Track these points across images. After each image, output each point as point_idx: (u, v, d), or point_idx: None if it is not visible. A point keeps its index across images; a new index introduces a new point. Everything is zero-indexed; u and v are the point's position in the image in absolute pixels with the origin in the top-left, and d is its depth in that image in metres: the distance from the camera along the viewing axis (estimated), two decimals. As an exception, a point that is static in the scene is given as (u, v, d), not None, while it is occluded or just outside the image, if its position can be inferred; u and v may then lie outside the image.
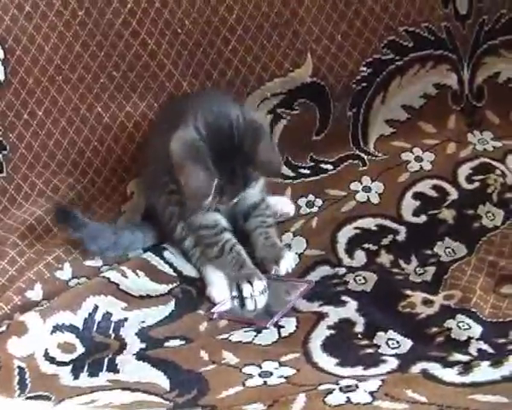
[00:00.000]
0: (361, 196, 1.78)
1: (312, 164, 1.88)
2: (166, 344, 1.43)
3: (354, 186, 1.81)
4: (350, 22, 1.91)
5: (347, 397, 1.19)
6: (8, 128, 1.79)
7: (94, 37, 1.82)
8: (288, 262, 1.60)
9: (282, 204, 1.76)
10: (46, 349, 1.41)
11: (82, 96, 1.83)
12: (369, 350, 1.37)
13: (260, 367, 1.34)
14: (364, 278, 1.56)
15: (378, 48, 1.92)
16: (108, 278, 1.55)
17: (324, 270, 1.62)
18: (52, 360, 1.40)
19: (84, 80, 1.83)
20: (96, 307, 1.49)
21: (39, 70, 1.80)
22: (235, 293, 1.56)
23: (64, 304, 1.48)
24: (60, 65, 1.81)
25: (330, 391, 1.21)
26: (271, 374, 1.32)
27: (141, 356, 1.40)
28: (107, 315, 1.49)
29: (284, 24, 1.88)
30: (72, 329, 1.45)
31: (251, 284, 1.55)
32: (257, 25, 1.87)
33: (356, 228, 1.71)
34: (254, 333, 1.45)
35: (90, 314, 1.48)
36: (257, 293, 1.55)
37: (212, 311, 1.53)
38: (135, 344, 1.44)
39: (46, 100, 1.81)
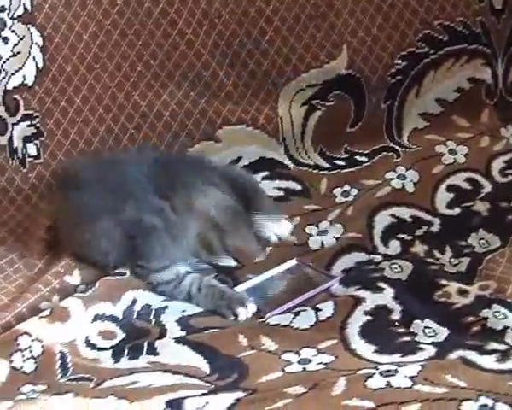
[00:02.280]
0: (396, 183, 1.79)
1: (347, 156, 1.89)
2: (206, 332, 1.44)
3: (389, 175, 1.81)
4: (385, 15, 1.91)
5: (387, 381, 1.20)
6: (46, 115, 1.81)
7: (132, 25, 1.83)
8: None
9: (277, 225, 1.61)
10: (87, 336, 1.43)
11: (119, 84, 1.85)
12: (407, 338, 1.38)
13: (299, 354, 1.35)
14: (400, 266, 1.57)
15: (413, 41, 1.92)
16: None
17: (359, 255, 1.62)
18: (93, 347, 1.42)
19: (122, 69, 1.85)
20: (134, 301, 1.51)
21: (77, 58, 1.82)
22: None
23: (104, 295, 1.50)
24: (98, 53, 1.83)
25: (370, 375, 1.22)
26: (310, 361, 1.33)
27: (180, 340, 1.41)
28: (147, 306, 1.51)
29: (320, 15, 1.89)
30: (112, 318, 1.47)
31: (245, 307, 1.49)
32: (293, 16, 1.88)
33: (391, 216, 1.71)
34: (292, 316, 1.46)
35: (128, 307, 1.50)
36: (250, 315, 1.50)
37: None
38: (175, 331, 1.45)
39: (84, 87, 1.83)
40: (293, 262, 1.62)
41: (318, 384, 1.22)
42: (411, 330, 1.40)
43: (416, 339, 1.37)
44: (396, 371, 1.23)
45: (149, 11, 1.84)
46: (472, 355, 1.29)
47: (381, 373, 1.22)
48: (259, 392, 1.23)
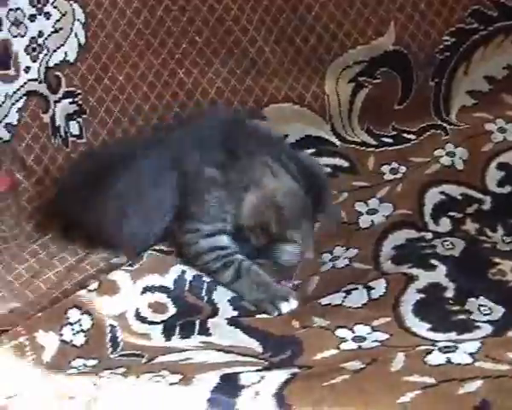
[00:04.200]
0: (445, 160, 1.76)
1: (395, 133, 1.86)
2: (258, 316, 1.42)
3: (438, 153, 1.78)
4: (434, -10, 1.88)
5: (447, 358, 1.17)
6: (89, 92, 1.80)
7: (176, 1, 1.82)
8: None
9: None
10: (137, 309, 1.41)
11: (164, 61, 1.83)
12: (462, 316, 1.35)
13: (353, 331, 1.33)
14: (452, 243, 1.54)
15: (462, 17, 1.89)
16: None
17: (410, 233, 1.59)
18: (143, 320, 1.40)
19: (166, 45, 1.83)
20: (183, 271, 1.48)
21: (120, 34, 1.80)
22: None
23: (152, 268, 1.47)
24: (141, 29, 1.81)
25: (429, 351, 1.19)
26: (365, 339, 1.31)
27: (233, 322, 1.39)
28: (198, 276, 1.48)
29: (368, -9, 1.86)
30: (163, 289, 1.45)
31: (287, 301, 1.44)
32: (341, -9, 1.85)
33: (441, 193, 1.68)
34: (344, 295, 1.43)
35: (179, 276, 1.47)
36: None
37: None
38: (227, 311, 1.44)
39: (127, 65, 1.81)
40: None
41: (376, 360, 1.19)
42: (466, 307, 1.37)
43: (472, 317, 1.34)
44: (455, 347, 1.20)
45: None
46: (533, 334, 1.26)
47: (440, 349, 1.19)
48: (316, 367, 1.21)
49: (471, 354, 1.18)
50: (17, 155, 1.77)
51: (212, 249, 1.47)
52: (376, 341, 1.29)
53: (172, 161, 1.52)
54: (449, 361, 1.16)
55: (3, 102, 1.75)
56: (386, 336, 1.31)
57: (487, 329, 1.30)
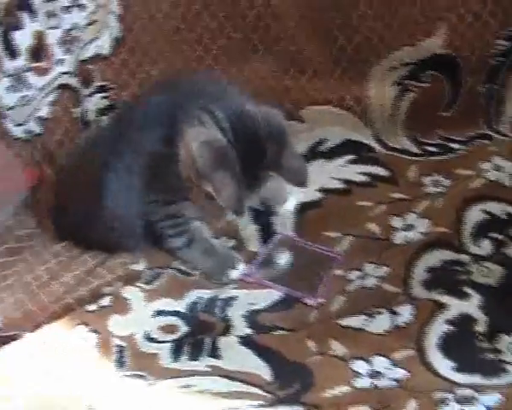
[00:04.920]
0: (491, 175, 1.65)
1: (439, 142, 1.76)
2: (273, 333, 1.36)
3: (484, 166, 1.67)
4: (489, -10, 1.77)
5: (462, 410, 1.09)
6: (122, 87, 1.75)
7: (213, -3, 1.75)
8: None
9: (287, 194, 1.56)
10: (147, 331, 1.37)
11: (200, 57, 1.77)
12: (490, 355, 1.26)
13: (370, 364, 1.25)
14: (490, 269, 1.44)
15: (519, 18, 1.78)
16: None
17: (446, 254, 1.49)
18: (152, 340, 1.36)
19: (203, 41, 1.77)
20: (199, 298, 1.44)
21: (156, 28, 1.74)
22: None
23: (167, 290, 1.44)
24: (178, 24, 1.75)
25: (445, 401, 1.11)
26: (382, 375, 1.23)
27: (245, 342, 1.33)
28: (214, 297, 1.43)
29: (418, -10, 1.77)
30: (175, 313, 1.40)
31: (236, 269, 1.47)
32: (389, -10, 1.76)
33: (483, 211, 1.58)
34: (366, 318, 1.35)
35: (193, 302, 1.43)
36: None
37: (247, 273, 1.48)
38: (241, 328, 1.37)
39: (162, 60, 1.76)
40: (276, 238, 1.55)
41: (387, 407, 1.11)
42: (496, 346, 1.27)
43: (501, 357, 1.25)
44: (473, 398, 1.11)
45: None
46: None
47: (457, 401, 1.11)
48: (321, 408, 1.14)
49: (488, 407, 1.09)
50: (47, 150, 1.73)
51: (169, 217, 1.47)
52: (393, 379, 1.22)
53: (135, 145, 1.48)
54: (465, 415, 1.08)
55: (36, 95, 1.72)
56: (405, 373, 1.23)
57: (515, 373, 1.21)
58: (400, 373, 1.23)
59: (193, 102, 1.41)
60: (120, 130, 1.52)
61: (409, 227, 1.56)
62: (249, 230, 1.58)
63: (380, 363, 1.26)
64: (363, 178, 1.69)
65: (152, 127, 1.45)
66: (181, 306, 1.41)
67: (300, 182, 1.42)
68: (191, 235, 1.48)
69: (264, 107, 1.43)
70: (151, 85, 1.71)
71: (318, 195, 1.65)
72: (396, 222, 1.58)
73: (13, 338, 1.34)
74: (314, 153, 1.74)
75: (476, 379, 1.20)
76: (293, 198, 1.56)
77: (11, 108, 1.68)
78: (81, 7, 1.71)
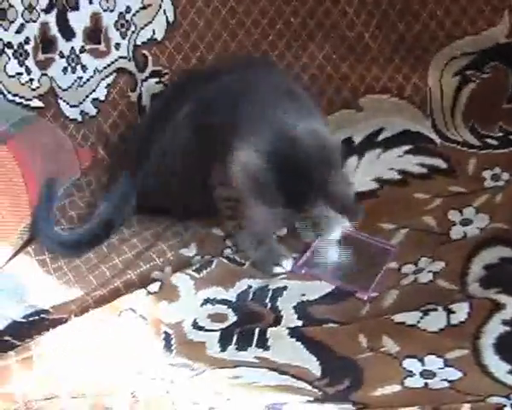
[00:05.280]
0: (555, 170, 1.61)
1: (501, 134, 1.73)
2: (324, 326, 1.33)
3: (547, 160, 1.63)
4: (558, -23, 1.72)
5: (520, 418, 1.05)
6: (176, 72, 1.74)
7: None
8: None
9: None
10: (195, 319, 1.35)
11: (256, 42, 1.76)
12: (548, 359, 1.21)
13: (423, 363, 1.21)
14: (551, 268, 1.39)
15: None
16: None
17: (504, 251, 1.44)
18: (200, 329, 1.34)
19: (259, 26, 1.75)
20: (249, 286, 1.42)
21: (212, 12, 1.74)
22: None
23: (217, 280, 1.41)
24: (234, 7, 1.75)
25: (501, 407, 1.06)
26: (434, 375, 1.19)
27: (295, 334, 1.30)
28: (264, 287, 1.41)
29: (482, -24, 1.73)
30: (224, 302, 1.38)
31: (280, 266, 1.45)
32: (451, -26, 1.73)
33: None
34: (420, 315, 1.31)
35: (243, 291, 1.40)
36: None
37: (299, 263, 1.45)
38: (291, 319, 1.35)
39: (217, 44, 1.75)
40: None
41: (438, 409, 1.07)
42: (554, 350, 1.22)
43: (560, 361, 1.20)
44: (531, 405, 1.07)
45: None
46: None
47: (513, 406, 1.07)
48: (371, 407, 1.10)
49: (546, 415, 1.04)
50: (102, 132, 1.74)
51: (228, 199, 1.45)
52: (446, 380, 1.17)
53: None
54: (521, 423, 1.04)
55: (92, 77, 1.72)
56: (459, 374, 1.18)
57: None
58: (454, 374, 1.19)
59: (255, 121, 1.39)
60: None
61: (467, 222, 1.52)
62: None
63: (433, 362, 1.21)
64: (420, 170, 1.66)
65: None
66: (230, 295, 1.39)
67: (345, 210, 1.37)
68: (243, 220, 1.46)
69: (316, 126, 1.40)
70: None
71: (374, 185, 1.62)
72: (453, 216, 1.54)
73: (60, 322, 1.33)
74: (371, 142, 1.71)
75: (532, 385, 1.15)
76: (339, 227, 1.47)
77: (66, 90, 1.68)
78: None
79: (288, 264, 1.45)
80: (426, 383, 1.17)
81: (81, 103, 1.71)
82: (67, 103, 1.69)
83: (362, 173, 1.65)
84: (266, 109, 1.40)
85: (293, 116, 1.39)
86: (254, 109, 1.41)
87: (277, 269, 1.45)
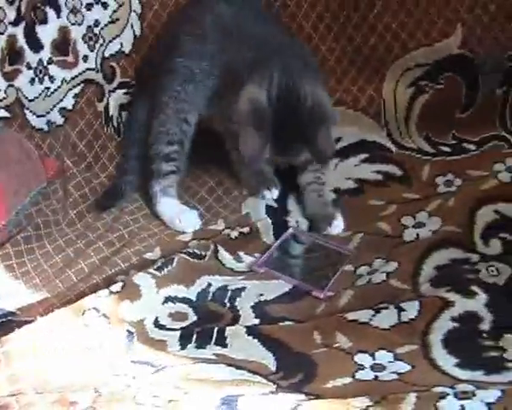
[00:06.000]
0: (504, 176, 1.66)
1: (454, 142, 1.78)
2: (281, 324, 1.38)
3: (497, 167, 1.68)
4: (506, -10, 1.78)
5: (461, 405, 1.10)
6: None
7: None
8: (339, 224, 1.60)
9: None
10: (157, 318, 1.39)
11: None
12: (493, 353, 1.27)
13: (373, 358, 1.27)
14: (498, 269, 1.44)
15: (536, 20, 1.78)
16: (224, 264, 1.52)
17: (455, 252, 1.51)
18: (161, 327, 1.38)
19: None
20: (209, 284, 1.47)
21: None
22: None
23: (178, 278, 1.46)
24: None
25: (444, 396, 1.12)
26: (384, 368, 1.24)
27: (252, 332, 1.35)
28: (223, 287, 1.46)
29: (435, -11, 1.78)
30: (185, 301, 1.43)
31: (269, 190, 1.66)
32: (405, -11, 1.78)
33: (495, 212, 1.58)
34: (373, 313, 1.36)
35: (203, 289, 1.45)
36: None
37: (258, 263, 1.51)
38: (248, 318, 1.40)
39: None
40: (289, 232, 1.59)
41: (386, 399, 1.13)
42: (500, 344, 1.28)
43: (505, 356, 1.26)
44: (473, 394, 1.12)
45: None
46: (562, 383, 1.17)
47: (455, 395, 1.12)
48: (323, 398, 1.16)
49: (488, 403, 1.10)
50: (69, 141, 1.77)
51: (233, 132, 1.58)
52: (395, 373, 1.23)
53: None
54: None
55: (59, 87, 1.75)
56: (408, 367, 1.24)
57: (518, 371, 1.22)
58: (403, 367, 1.24)
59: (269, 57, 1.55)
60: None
61: (419, 225, 1.58)
62: (264, 222, 1.61)
63: (383, 357, 1.27)
64: (376, 177, 1.71)
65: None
66: (191, 293, 1.43)
67: (323, 161, 1.56)
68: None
69: (319, 88, 1.54)
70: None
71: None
72: (407, 221, 1.60)
73: (26, 322, 1.36)
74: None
75: (478, 375, 1.21)
76: (340, 220, 1.61)
77: (32, 100, 1.72)
78: (104, 4, 1.74)
79: (275, 193, 1.67)
80: (376, 376, 1.23)
81: (48, 113, 1.74)
82: (34, 113, 1.72)
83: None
84: (285, 64, 1.54)
85: (305, 77, 1.53)
86: (273, 59, 1.55)
87: (267, 194, 1.66)
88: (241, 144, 1.49)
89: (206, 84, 1.61)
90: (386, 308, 1.37)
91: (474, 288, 1.39)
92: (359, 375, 1.23)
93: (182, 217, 1.61)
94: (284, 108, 1.50)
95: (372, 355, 1.27)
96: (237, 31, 1.59)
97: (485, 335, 1.31)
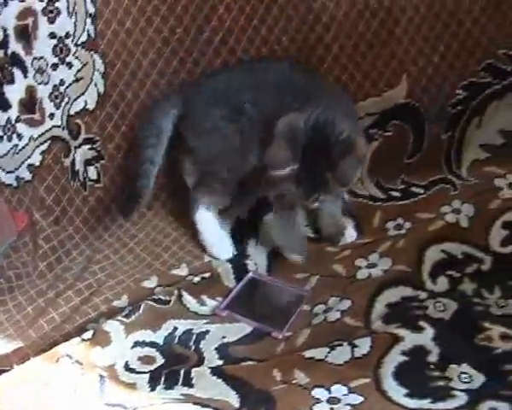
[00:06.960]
0: (450, 217, 1.76)
1: (403, 187, 1.88)
2: (243, 364, 1.46)
3: (444, 209, 1.78)
4: (447, 44, 1.88)
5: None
6: (107, 139, 1.84)
7: (191, 54, 1.86)
8: (351, 233, 1.76)
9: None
10: (127, 361, 1.46)
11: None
12: (440, 383, 1.36)
13: (329, 392, 1.35)
14: (444, 305, 1.54)
15: (475, 71, 1.89)
16: (188, 308, 1.61)
17: (406, 290, 1.61)
18: (131, 371, 1.45)
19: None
20: (175, 328, 1.55)
21: (138, 84, 1.85)
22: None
23: (145, 323, 1.54)
24: (157, 80, 1.86)
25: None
26: (339, 401, 1.33)
27: (216, 372, 1.43)
28: (188, 331, 1.54)
29: (381, 44, 1.87)
30: (152, 345, 1.50)
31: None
32: (353, 44, 1.87)
33: (442, 251, 1.68)
34: (328, 350, 1.45)
35: (170, 334, 1.53)
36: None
37: (221, 307, 1.59)
38: (213, 360, 1.47)
39: (144, 114, 1.84)
40: (249, 275, 1.68)
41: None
42: (446, 374, 1.38)
43: (450, 385, 1.35)
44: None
45: (209, 40, 1.86)
46: (503, 408, 1.26)
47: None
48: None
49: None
50: (37, 195, 1.81)
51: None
52: (349, 405, 1.32)
53: None
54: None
55: (27, 145, 1.79)
56: (361, 399, 1.33)
57: (462, 399, 1.32)
58: (356, 399, 1.33)
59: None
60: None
61: (372, 265, 1.68)
62: (225, 267, 1.70)
63: (338, 390, 1.36)
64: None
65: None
66: (158, 337, 1.52)
67: (343, 183, 1.61)
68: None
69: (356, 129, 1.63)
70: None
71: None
72: (360, 262, 1.69)
73: (4, 371, 1.44)
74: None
75: (425, 404, 1.30)
76: (351, 229, 1.74)
77: (2, 157, 1.75)
78: (68, 65, 1.79)
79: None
80: (331, 408, 1.31)
81: (17, 169, 1.77)
82: (3, 170, 1.75)
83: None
84: (326, 105, 1.61)
85: (343, 117, 1.61)
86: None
87: (294, 257, 1.73)
88: (269, 152, 1.56)
89: None
90: (341, 345, 1.46)
91: (422, 323, 1.48)
92: (316, 408, 1.32)
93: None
94: (317, 136, 1.56)
95: (328, 389, 1.36)
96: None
97: (432, 366, 1.39)
